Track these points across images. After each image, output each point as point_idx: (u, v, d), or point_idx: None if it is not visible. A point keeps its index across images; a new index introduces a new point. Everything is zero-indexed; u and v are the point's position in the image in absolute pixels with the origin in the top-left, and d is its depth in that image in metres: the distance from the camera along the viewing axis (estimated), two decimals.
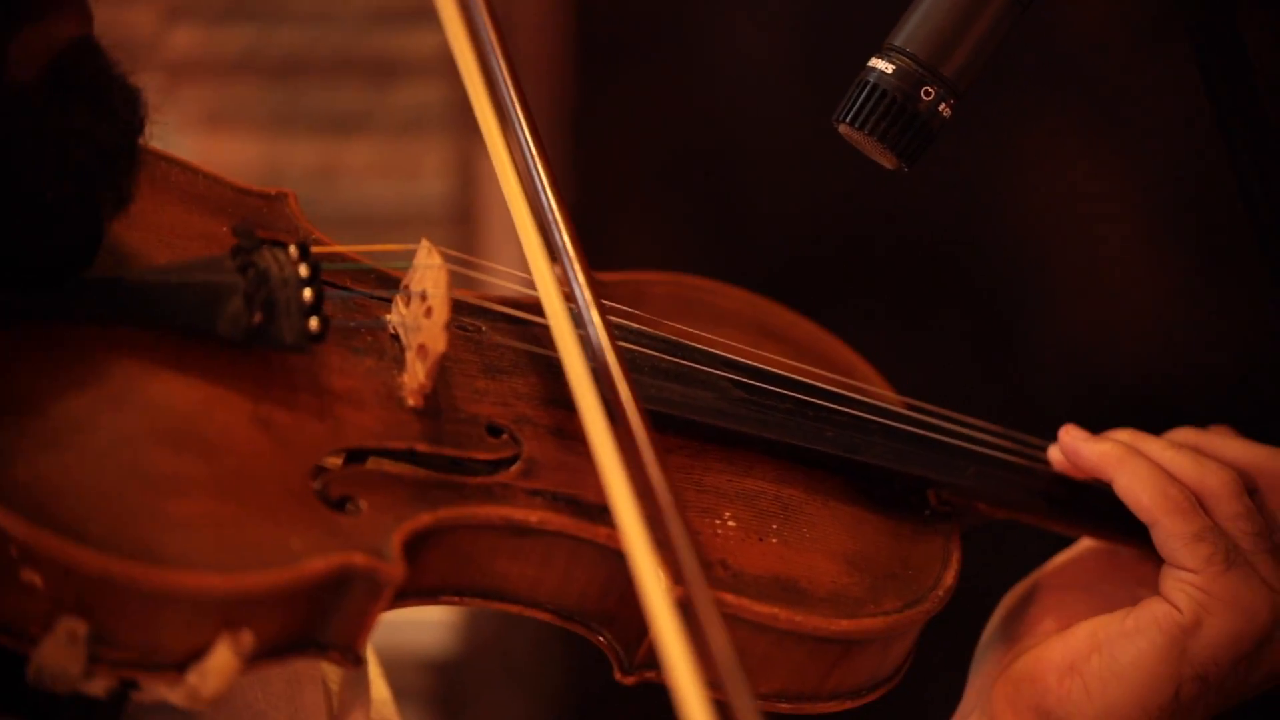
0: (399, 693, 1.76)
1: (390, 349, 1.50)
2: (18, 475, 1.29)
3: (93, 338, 1.39)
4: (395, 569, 1.35)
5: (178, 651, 1.30)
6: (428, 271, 1.51)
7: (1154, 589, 1.63)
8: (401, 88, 3.22)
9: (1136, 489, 1.61)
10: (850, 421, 1.62)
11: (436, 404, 1.47)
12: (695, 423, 1.57)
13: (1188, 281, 3.15)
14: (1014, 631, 1.68)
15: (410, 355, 1.48)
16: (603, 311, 1.47)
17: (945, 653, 1.76)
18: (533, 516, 1.43)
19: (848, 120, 1.53)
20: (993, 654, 1.68)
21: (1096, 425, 1.69)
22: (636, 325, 1.62)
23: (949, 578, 1.57)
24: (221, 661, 1.30)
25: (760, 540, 1.52)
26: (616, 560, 1.43)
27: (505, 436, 1.48)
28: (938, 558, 1.59)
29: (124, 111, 1.41)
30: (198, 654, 1.30)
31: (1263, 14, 1.52)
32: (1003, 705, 1.64)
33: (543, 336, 1.53)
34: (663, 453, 1.40)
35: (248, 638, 1.31)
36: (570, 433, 1.49)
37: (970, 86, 1.53)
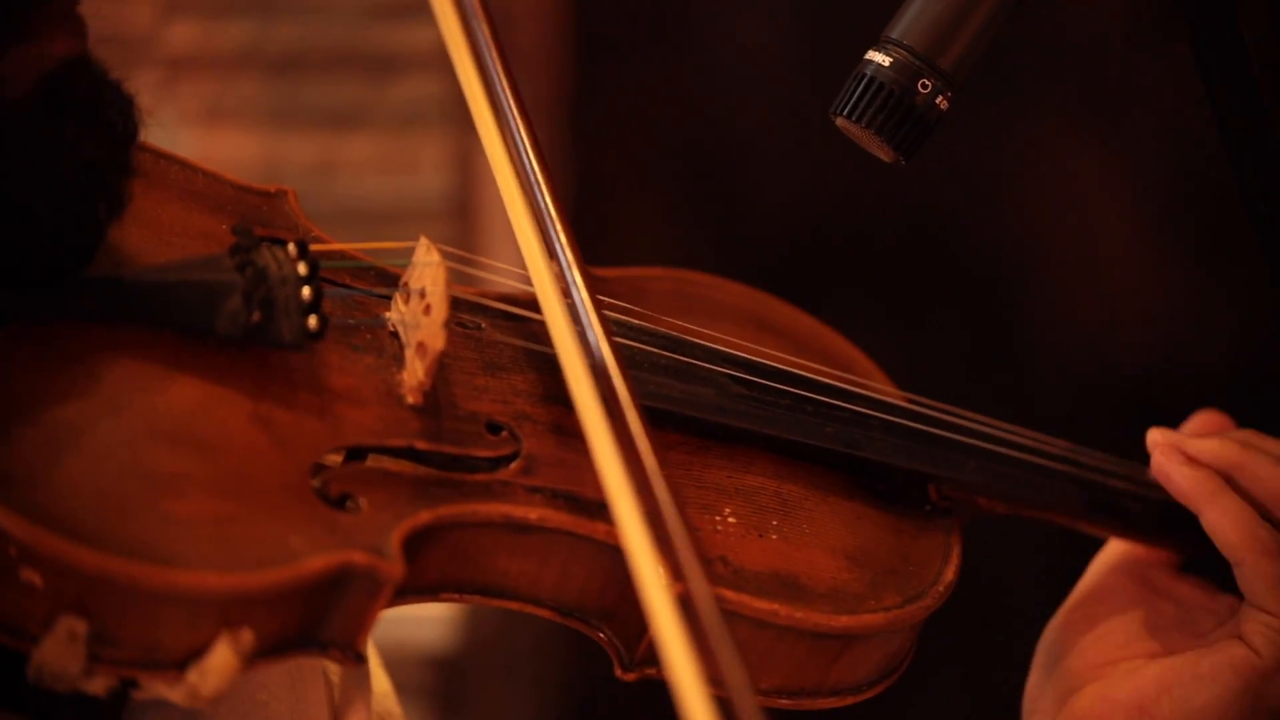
0: (399, 688, 1.76)
1: (389, 346, 1.50)
2: (16, 474, 1.29)
3: (92, 337, 1.39)
4: (395, 567, 1.35)
5: (178, 650, 1.30)
6: (426, 269, 1.50)
7: (1199, 610, 1.62)
8: (400, 83, 3.22)
9: (1226, 527, 1.59)
10: (850, 417, 1.62)
11: (436, 401, 1.47)
12: (695, 419, 1.56)
13: (1186, 277, 3.14)
14: (1065, 667, 1.65)
15: (409, 353, 1.48)
16: (599, 307, 1.47)
17: (946, 649, 1.76)
18: (532, 513, 1.43)
19: (845, 113, 1.53)
20: (1046, 690, 1.66)
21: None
22: (635, 321, 1.62)
23: (950, 573, 1.57)
24: (221, 660, 1.30)
25: (760, 536, 1.52)
26: (616, 557, 1.43)
27: (505, 434, 1.48)
28: (938, 553, 1.58)
29: (118, 122, 1.41)
30: (198, 653, 1.30)
31: (1263, 9, 1.52)
32: None
33: (541, 333, 1.53)
34: (661, 449, 1.40)
35: (247, 636, 1.31)
36: (569, 429, 1.49)
37: (968, 79, 1.52)
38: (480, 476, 1.45)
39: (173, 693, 1.30)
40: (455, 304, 1.48)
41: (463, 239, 3.09)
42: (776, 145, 3.25)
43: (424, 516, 1.39)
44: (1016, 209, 3.20)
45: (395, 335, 1.51)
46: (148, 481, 1.33)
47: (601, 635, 1.49)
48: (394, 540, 1.36)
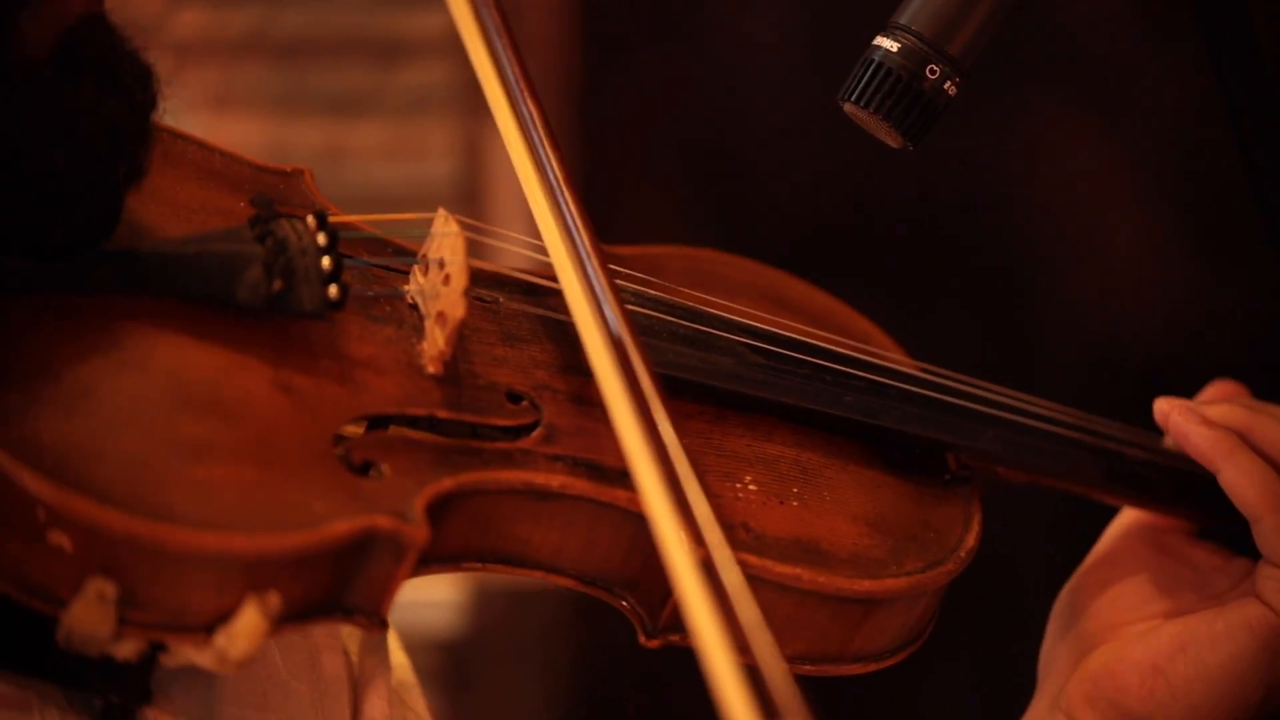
0: None
1: (409, 318, 1.50)
2: (44, 440, 1.30)
3: (115, 307, 1.39)
4: (419, 531, 1.35)
5: (206, 613, 1.31)
6: (445, 239, 1.51)
7: (1213, 573, 1.62)
8: (407, 68, 3.22)
9: (1244, 483, 1.59)
10: (868, 386, 1.63)
11: (456, 371, 1.48)
12: (714, 388, 1.57)
13: (1194, 264, 3.15)
14: (1080, 628, 1.66)
15: (429, 323, 1.48)
16: (611, 277, 1.48)
17: (958, 622, 1.76)
18: (554, 481, 1.44)
19: (853, 99, 1.53)
20: (1060, 650, 1.66)
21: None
22: (653, 293, 1.62)
23: (970, 540, 1.57)
24: (249, 623, 1.31)
25: (781, 503, 1.53)
26: (638, 524, 1.44)
27: (525, 403, 1.48)
28: (959, 520, 1.59)
29: (135, 86, 1.42)
30: (225, 616, 1.31)
31: (1274, 2, 1.52)
32: (1081, 703, 1.62)
33: (558, 304, 1.53)
34: (681, 418, 1.40)
35: (275, 599, 1.31)
36: (589, 399, 1.50)
37: (976, 65, 1.53)
38: (501, 445, 1.45)
39: (201, 656, 1.31)
40: (473, 276, 1.49)
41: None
42: (784, 134, 3.25)
43: (446, 483, 1.39)
44: (1024, 198, 3.20)
45: (414, 307, 1.51)
46: (173, 447, 1.34)
47: (624, 603, 1.49)
48: (418, 505, 1.36)
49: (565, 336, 1.54)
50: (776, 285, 1.78)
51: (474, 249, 1.52)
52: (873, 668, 1.55)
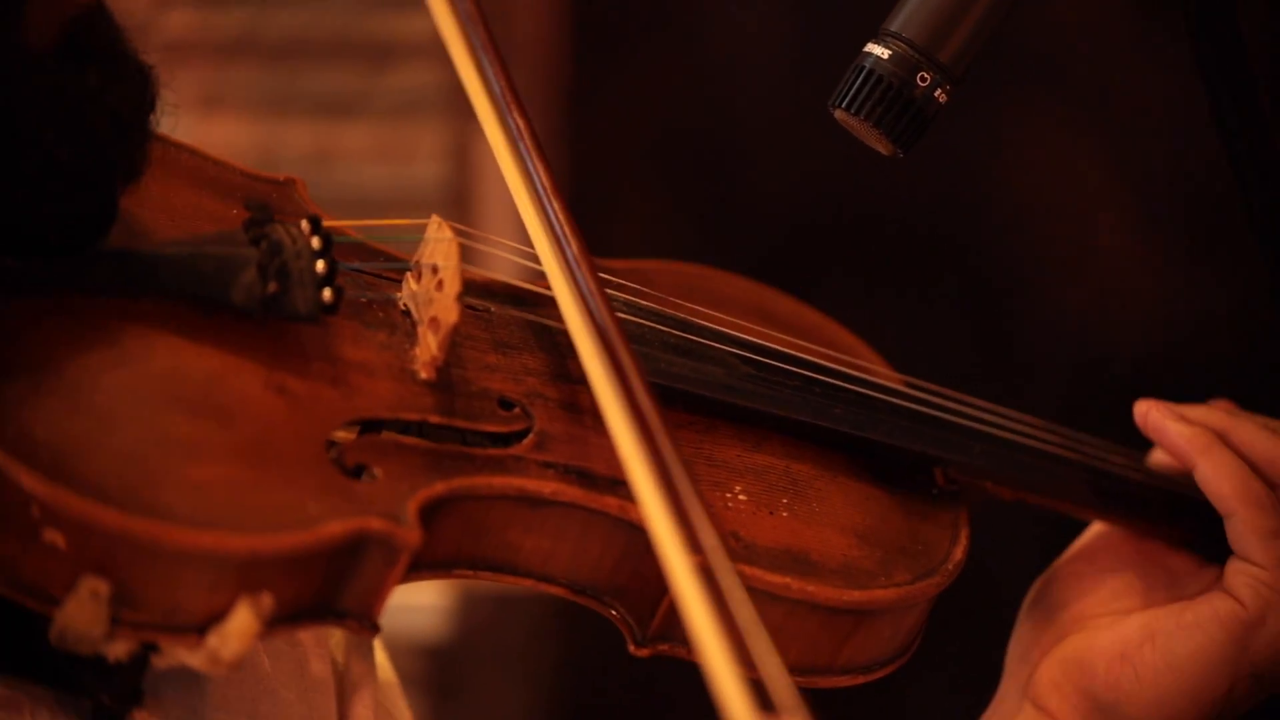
0: None
1: (402, 324, 1.51)
2: (39, 437, 1.30)
3: (111, 307, 1.40)
4: (412, 533, 1.36)
5: (198, 613, 1.31)
6: (439, 245, 1.52)
7: (1186, 577, 1.63)
8: (397, 71, 3.22)
9: (1219, 479, 1.61)
10: (857, 399, 1.64)
11: (448, 378, 1.48)
12: (705, 398, 1.58)
13: (1182, 267, 3.16)
14: (1051, 617, 1.67)
15: (422, 328, 1.49)
16: (600, 284, 1.49)
17: (954, 633, 1.76)
18: (546, 488, 1.44)
19: (844, 105, 1.53)
20: (1030, 639, 1.67)
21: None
22: (644, 303, 1.63)
23: (958, 553, 1.58)
24: (242, 624, 1.31)
25: (771, 514, 1.53)
26: (629, 532, 1.45)
27: (517, 410, 1.49)
28: (947, 534, 1.60)
29: (136, 80, 1.42)
30: (218, 616, 1.31)
31: (1262, 7, 1.53)
32: (1048, 689, 1.63)
33: (551, 312, 1.54)
34: (671, 425, 1.41)
35: (267, 600, 1.32)
36: (580, 407, 1.50)
37: (967, 73, 1.53)
38: (493, 451, 1.45)
39: (193, 657, 1.31)
40: (465, 284, 1.49)
41: None
42: (775, 136, 3.26)
43: (439, 487, 1.40)
44: (1014, 202, 3.21)
45: (407, 313, 1.52)
46: (168, 446, 1.34)
47: (614, 612, 1.49)
48: (410, 508, 1.37)
49: (556, 345, 1.55)
50: (764, 301, 1.79)
51: (466, 255, 1.53)
52: (860, 680, 1.56)
